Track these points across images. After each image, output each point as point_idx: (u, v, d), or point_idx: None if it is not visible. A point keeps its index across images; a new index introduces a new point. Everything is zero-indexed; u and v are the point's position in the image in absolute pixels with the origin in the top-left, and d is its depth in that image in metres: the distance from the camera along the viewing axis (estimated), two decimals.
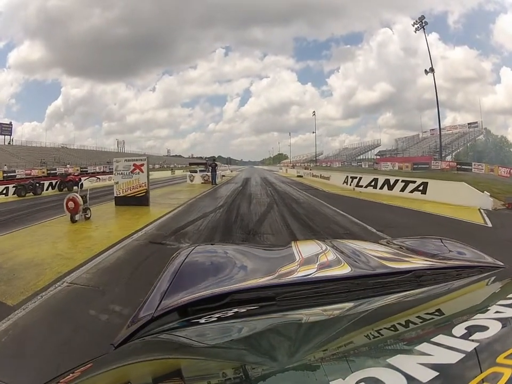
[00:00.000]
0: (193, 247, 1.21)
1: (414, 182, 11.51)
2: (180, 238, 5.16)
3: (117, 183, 9.58)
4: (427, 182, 10.90)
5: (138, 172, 9.26)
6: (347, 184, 15.58)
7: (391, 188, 12.46)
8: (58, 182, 17.70)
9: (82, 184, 19.49)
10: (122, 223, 6.84)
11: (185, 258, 1.07)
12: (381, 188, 12.97)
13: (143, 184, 9.24)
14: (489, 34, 71.47)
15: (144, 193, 9.23)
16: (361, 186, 14.09)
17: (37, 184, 15.87)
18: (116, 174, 9.62)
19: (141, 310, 0.83)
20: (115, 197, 9.64)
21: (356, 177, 14.95)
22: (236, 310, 0.72)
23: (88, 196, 7.68)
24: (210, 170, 19.26)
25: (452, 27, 74.61)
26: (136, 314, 0.82)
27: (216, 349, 0.59)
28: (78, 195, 7.35)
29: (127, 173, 9.37)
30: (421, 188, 11.02)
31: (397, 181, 12.36)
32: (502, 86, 63.12)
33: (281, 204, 9.32)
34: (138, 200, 9.16)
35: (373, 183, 13.63)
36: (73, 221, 7.05)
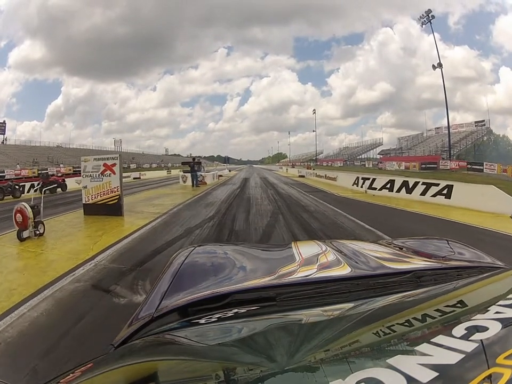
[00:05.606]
0: (193, 248, 1.18)
1: (437, 184, 10.13)
2: (139, 278, 3.37)
3: (85, 187, 7.77)
4: (452, 185, 9.51)
5: (110, 174, 7.42)
6: (357, 186, 14.02)
7: (409, 191, 11.04)
8: (40, 184, 16.31)
9: (66, 185, 18.13)
10: (77, 245, 5.08)
11: (185, 259, 1.05)
12: (398, 190, 11.47)
13: (115, 189, 7.42)
14: (488, 35, 71.22)
15: (116, 200, 7.41)
16: (375, 188, 12.56)
17: (16, 187, 14.57)
18: (84, 176, 7.80)
19: (141, 310, 0.82)
20: (83, 204, 7.84)
21: (369, 179, 13.35)
22: (236, 310, 0.71)
23: (41, 206, 5.97)
24: (190, 171, 17.22)
25: (452, 28, 73.88)
26: (136, 314, 0.81)
27: (216, 349, 0.56)
28: (27, 206, 5.67)
29: (97, 175, 7.56)
30: (444, 192, 9.65)
31: (416, 183, 10.92)
32: (501, 86, 62.60)
33: (287, 214, 7.52)
34: (110, 209, 7.35)
35: (388, 185, 12.11)
36: (20, 238, 5.40)
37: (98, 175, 7.54)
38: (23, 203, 5.79)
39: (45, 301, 3.06)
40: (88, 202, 7.77)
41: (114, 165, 7.39)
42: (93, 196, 7.66)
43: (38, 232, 5.72)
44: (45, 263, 4.30)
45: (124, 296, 2.96)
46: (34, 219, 5.71)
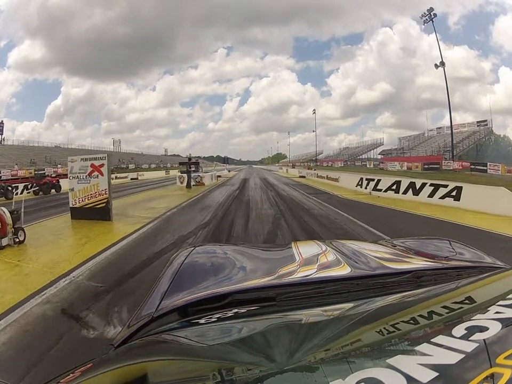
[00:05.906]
0: (193, 248, 1.17)
1: (446, 186, 9.67)
2: (116, 303, 2.83)
3: (72, 190, 7.24)
4: (461, 187, 9.08)
5: (97, 175, 6.87)
6: (361, 187, 13.49)
7: (416, 192, 10.57)
8: (33, 185, 15.74)
9: (60, 186, 17.56)
10: (57, 255, 4.52)
11: (185, 259, 1.04)
12: (404, 192, 10.97)
13: (104, 192, 6.87)
14: (488, 35, 70.76)
15: (104, 204, 6.86)
16: (380, 190, 12.05)
17: (9, 188, 14.09)
18: (71, 178, 7.26)
19: (141, 310, 0.81)
20: (70, 208, 7.31)
21: (373, 180, 12.83)
22: (236, 310, 0.70)
23: (22, 211, 5.46)
24: (186, 172, 16.99)
25: (451, 28, 73.63)
26: (136, 314, 0.80)
27: (215, 349, 0.56)
28: (5, 211, 5.20)
29: (84, 177, 7.01)
30: (453, 194, 9.18)
31: (424, 184, 10.47)
32: (500, 86, 62.44)
33: (290, 219, 6.97)
34: (98, 213, 6.80)
35: (394, 187, 11.59)
36: None
37: (86, 176, 6.99)
38: (1, 208, 5.28)
39: (6, 331, 2.53)
40: (75, 205, 7.23)
41: (102, 165, 6.83)
42: (80, 199, 7.12)
43: (17, 240, 5.23)
44: (18, 278, 3.80)
45: (95, 327, 2.40)
46: (14, 225, 5.23)
